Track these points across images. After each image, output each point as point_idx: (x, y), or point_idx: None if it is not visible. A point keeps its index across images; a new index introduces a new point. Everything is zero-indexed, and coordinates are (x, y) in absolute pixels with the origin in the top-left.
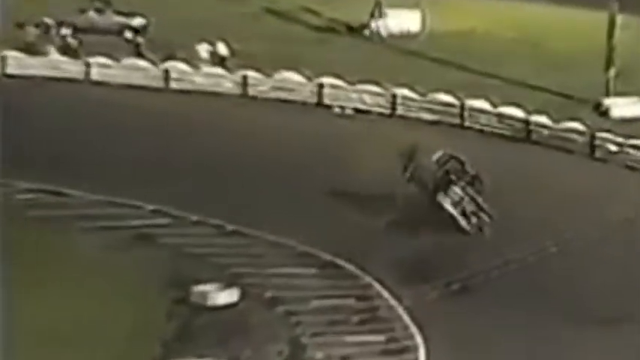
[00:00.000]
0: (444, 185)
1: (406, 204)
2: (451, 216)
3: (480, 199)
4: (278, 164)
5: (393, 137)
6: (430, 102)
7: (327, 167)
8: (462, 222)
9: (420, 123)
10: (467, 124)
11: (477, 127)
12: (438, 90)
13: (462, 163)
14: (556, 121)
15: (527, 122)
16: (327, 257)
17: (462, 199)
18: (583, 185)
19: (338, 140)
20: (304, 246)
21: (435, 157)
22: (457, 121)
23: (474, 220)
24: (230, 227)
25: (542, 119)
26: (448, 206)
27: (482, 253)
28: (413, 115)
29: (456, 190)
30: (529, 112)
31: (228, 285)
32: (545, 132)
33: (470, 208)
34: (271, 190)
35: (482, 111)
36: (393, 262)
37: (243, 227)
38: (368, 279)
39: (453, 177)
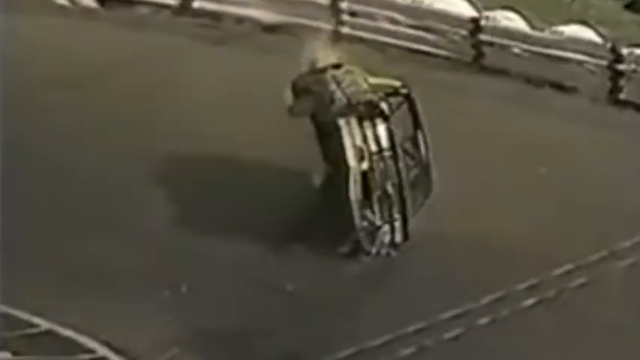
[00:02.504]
0: (363, 111)
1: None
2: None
3: (407, 197)
4: None
5: (185, 55)
6: None
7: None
8: (352, 191)
9: (248, 28)
10: (346, 29)
11: (367, 36)
12: None
13: (417, 126)
14: (540, 26)
15: (476, 26)
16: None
17: (380, 152)
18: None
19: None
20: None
21: (376, 80)
22: (328, 24)
23: (377, 213)
24: None
25: (511, 20)
26: (344, 134)
27: (388, 308)
28: (231, 10)
29: (381, 129)
30: (479, 6)
31: None
32: (517, 48)
33: (385, 181)
34: None
35: (381, 3)
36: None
37: None
38: None
39: (388, 111)
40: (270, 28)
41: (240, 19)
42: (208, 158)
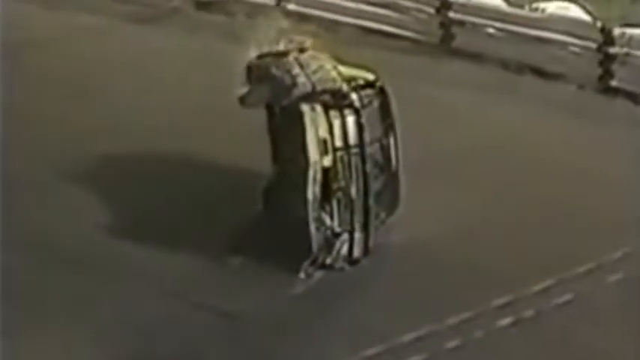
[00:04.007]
0: (330, 100)
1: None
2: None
3: (371, 206)
4: None
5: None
6: None
7: None
8: (310, 189)
9: (180, 5)
10: (292, 6)
11: (317, 14)
12: None
13: (389, 128)
14: (518, 2)
15: (445, 2)
16: None
17: (347, 148)
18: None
19: None
20: None
21: (347, 70)
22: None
23: (336, 218)
24: None
25: None
26: (307, 121)
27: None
28: None
29: (350, 121)
30: None
31: None
32: (492, 28)
33: (349, 182)
34: None
35: None
36: None
37: None
38: None
39: (359, 104)
40: (205, 5)
41: None
42: (136, 157)
